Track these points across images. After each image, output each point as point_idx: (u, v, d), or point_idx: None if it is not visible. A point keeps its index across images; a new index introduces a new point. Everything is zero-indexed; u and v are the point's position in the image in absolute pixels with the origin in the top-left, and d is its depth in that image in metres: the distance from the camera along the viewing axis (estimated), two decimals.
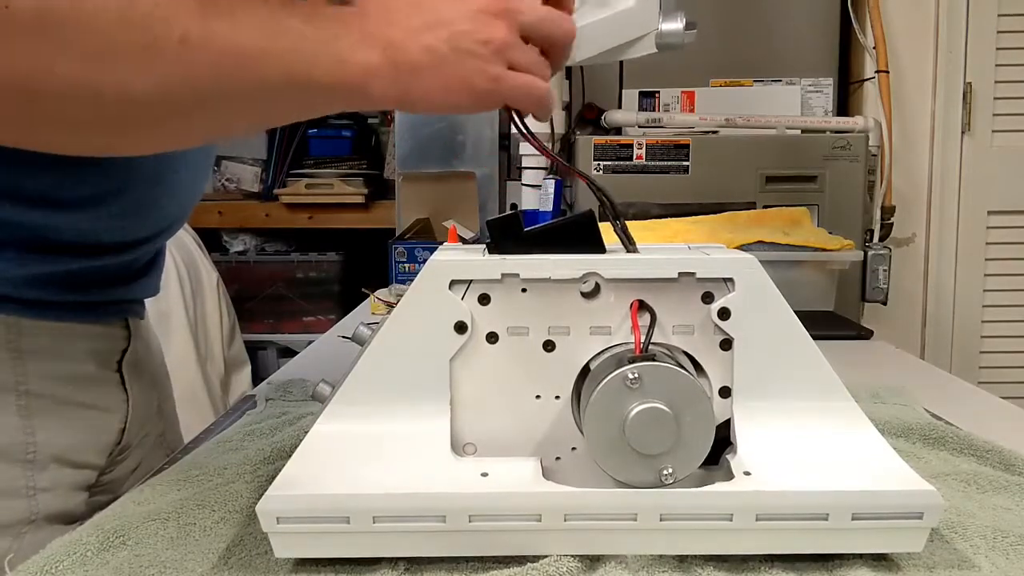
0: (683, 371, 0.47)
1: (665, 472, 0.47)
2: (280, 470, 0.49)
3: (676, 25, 0.61)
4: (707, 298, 0.51)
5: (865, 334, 1.23)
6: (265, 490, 0.47)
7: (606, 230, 0.53)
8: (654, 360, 0.47)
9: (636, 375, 0.46)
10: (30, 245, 0.59)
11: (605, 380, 0.46)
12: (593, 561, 0.47)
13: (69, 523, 0.54)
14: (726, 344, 0.51)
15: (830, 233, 1.35)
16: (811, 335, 0.51)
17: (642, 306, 0.51)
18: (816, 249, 1.29)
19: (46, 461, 0.62)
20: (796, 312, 0.51)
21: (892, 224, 1.84)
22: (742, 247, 1.24)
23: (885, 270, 1.70)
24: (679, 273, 0.50)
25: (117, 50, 0.43)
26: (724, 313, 0.50)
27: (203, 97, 0.46)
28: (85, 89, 0.43)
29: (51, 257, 0.61)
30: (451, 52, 0.50)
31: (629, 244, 0.54)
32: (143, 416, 0.72)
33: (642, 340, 0.49)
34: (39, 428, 0.61)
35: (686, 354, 0.51)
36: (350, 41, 0.49)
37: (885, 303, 1.73)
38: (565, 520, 0.47)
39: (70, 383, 0.64)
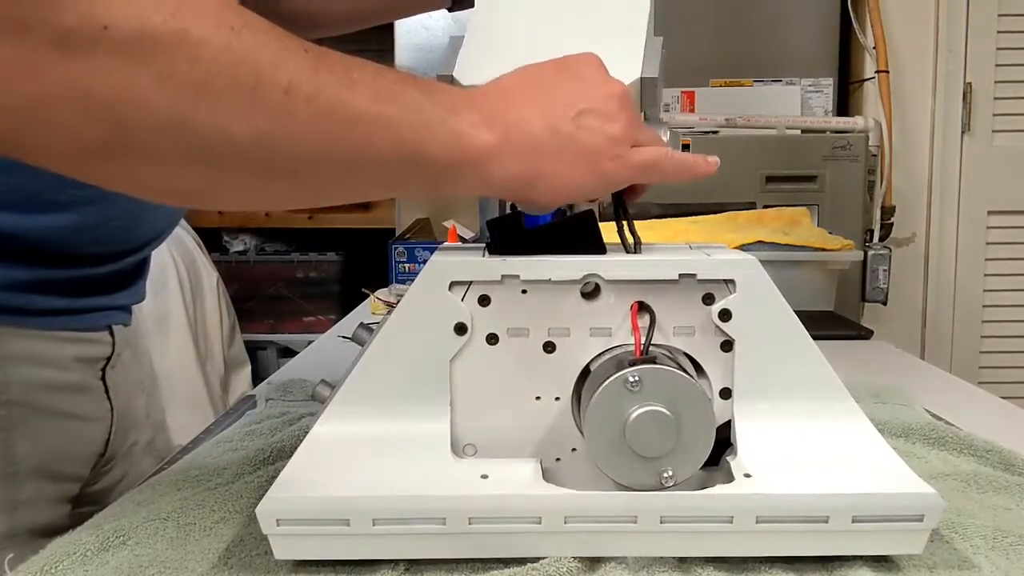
0: (683, 374, 0.47)
1: (665, 475, 0.47)
2: (280, 470, 0.49)
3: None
4: (708, 299, 0.51)
5: (865, 334, 1.23)
6: (265, 490, 0.47)
7: (606, 229, 0.53)
8: (655, 362, 0.47)
9: (636, 378, 0.46)
10: (13, 252, 0.58)
11: (605, 383, 0.46)
12: (593, 562, 0.47)
13: (51, 536, 0.52)
14: (727, 345, 0.51)
15: (830, 233, 1.35)
16: (811, 335, 0.51)
17: (642, 307, 0.51)
18: (816, 249, 1.29)
19: (27, 473, 0.60)
20: (796, 312, 0.51)
21: (892, 224, 1.84)
22: (742, 247, 1.24)
23: (885, 270, 1.70)
24: (680, 274, 0.50)
25: (217, 88, 0.39)
26: (725, 314, 0.50)
27: (308, 155, 0.42)
28: (180, 125, 0.39)
29: (35, 265, 0.59)
30: (576, 131, 0.48)
31: (633, 245, 0.54)
32: (128, 424, 0.71)
33: (642, 342, 0.49)
34: (20, 439, 0.59)
35: (687, 355, 0.51)
36: (470, 118, 0.46)
37: (885, 303, 1.73)
38: (565, 522, 0.47)
39: (52, 391, 0.62)
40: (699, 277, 0.50)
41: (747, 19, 1.84)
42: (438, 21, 1.98)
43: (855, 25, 1.86)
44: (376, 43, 1.86)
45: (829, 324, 1.25)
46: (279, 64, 0.40)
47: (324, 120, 0.41)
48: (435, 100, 0.46)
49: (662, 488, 0.47)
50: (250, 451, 0.66)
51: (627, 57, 0.53)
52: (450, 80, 0.54)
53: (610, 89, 0.49)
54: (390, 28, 1.88)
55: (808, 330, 0.51)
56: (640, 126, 0.51)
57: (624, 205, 0.55)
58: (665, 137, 0.55)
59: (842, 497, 0.46)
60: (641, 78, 0.53)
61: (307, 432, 0.51)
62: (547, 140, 0.47)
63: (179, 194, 0.46)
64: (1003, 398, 0.88)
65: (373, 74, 0.44)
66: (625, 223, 0.54)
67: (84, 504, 0.66)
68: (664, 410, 0.46)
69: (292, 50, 0.41)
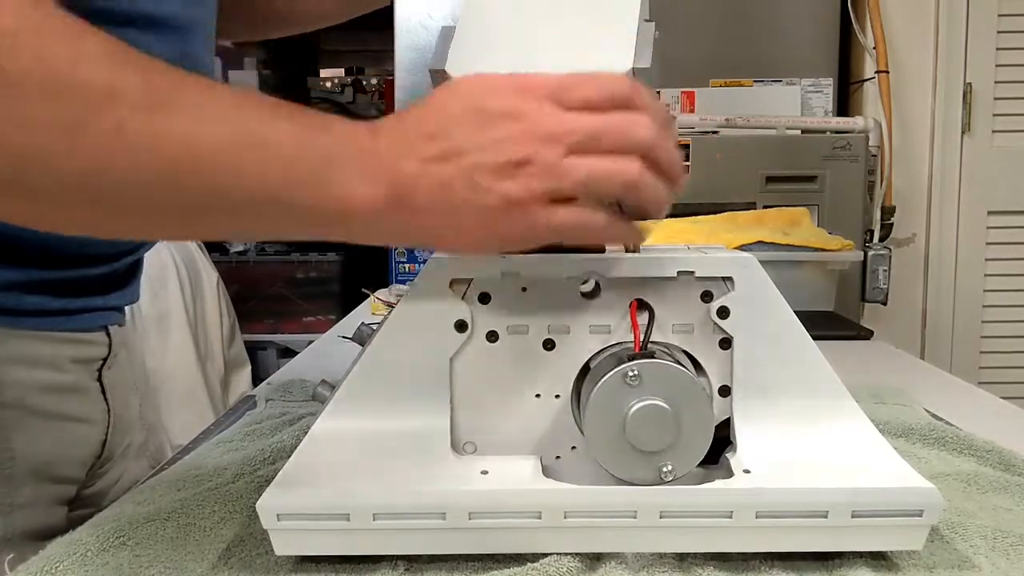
0: (682, 368, 0.47)
1: (665, 469, 0.47)
2: (280, 470, 0.49)
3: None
4: (706, 297, 0.51)
5: (865, 334, 1.23)
6: (265, 490, 0.47)
7: None
8: (653, 358, 0.47)
9: (636, 372, 0.46)
10: (5, 253, 0.58)
11: (605, 378, 0.46)
12: (593, 560, 0.47)
13: (47, 540, 0.51)
14: (725, 343, 0.51)
15: (830, 233, 1.35)
16: (811, 335, 0.51)
17: (641, 305, 0.51)
18: (816, 249, 1.29)
19: (24, 476, 0.59)
20: (796, 312, 0.51)
21: (892, 224, 1.84)
22: (742, 247, 1.24)
23: (885, 270, 1.70)
24: (678, 272, 0.50)
25: (40, 119, 0.37)
26: (723, 312, 0.51)
27: (150, 196, 0.40)
28: (5, 151, 0.38)
29: (27, 266, 0.59)
30: (472, 191, 0.42)
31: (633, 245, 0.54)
32: (125, 426, 0.70)
33: (641, 338, 0.49)
34: (16, 441, 0.59)
35: (686, 353, 0.51)
36: (348, 169, 0.42)
37: (885, 303, 1.73)
38: (565, 518, 0.47)
39: (48, 393, 0.61)
40: (698, 275, 0.51)
41: (747, 19, 1.84)
42: (438, 21, 1.98)
43: (855, 25, 1.86)
44: (376, 43, 1.85)
45: (829, 324, 1.25)
46: (104, 103, 0.38)
47: (164, 161, 0.39)
48: (312, 137, 0.42)
49: (662, 483, 0.47)
50: (250, 451, 0.66)
51: (618, 46, 0.51)
52: (443, 75, 0.53)
53: (527, 132, 0.43)
54: (390, 28, 1.88)
55: (808, 330, 0.51)
56: (568, 172, 0.43)
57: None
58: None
59: (841, 492, 0.46)
60: (633, 69, 0.51)
61: (307, 432, 0.51)
62: (434, 199, 0.43)
63: (8, 214, 0.43)
64: (1003, 398, 0.88)
65: (234, 103, 0.41)
66: None
67: (80, 507, 0.65)
68: (663, 404, 0.46)
69: (131, 80, 0.39)
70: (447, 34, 0.54)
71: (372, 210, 0.42)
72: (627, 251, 0.54)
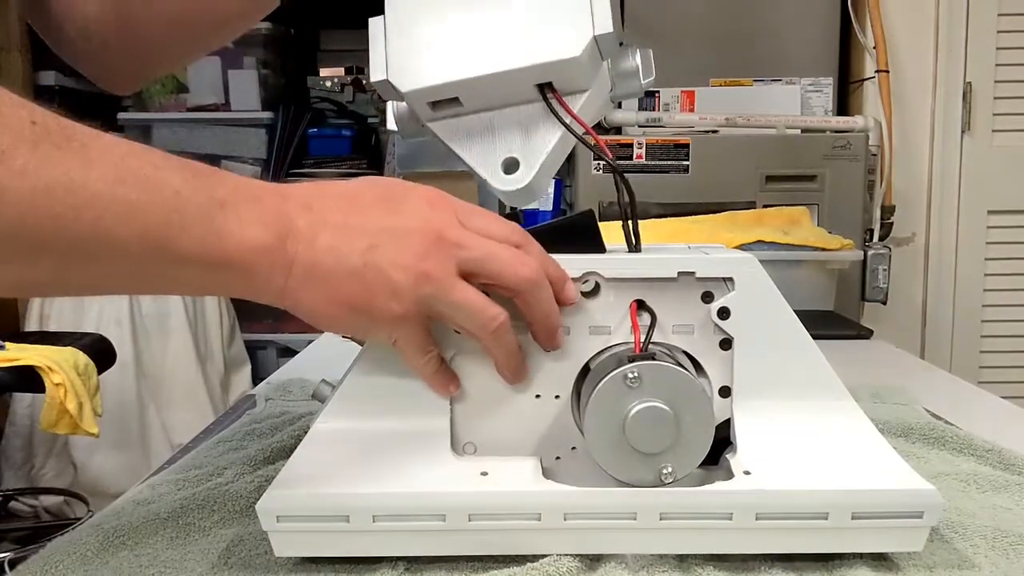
0: (683, 370, 0.47)
1: (665, 471, 0.47)
2: (280, 470, 0.49)
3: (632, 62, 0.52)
4: (707, 297, 0.51)
5: (865, 334, 1.23)
6: (265, 490, 0.47)
7: (606, 230, 0.53)
8: (654, 359, 0.47)
9: (636, 374, 0.46)
10: None
11: (605, 379, 0.46)
12: (593, 561, 0.47)
13: None
14: (726, 344, 0.51)
15: (830, 233, 1.35)
16: (811, 335, 0.51)
17: (641, 306, 0.51)
18: (816, 249, 1.30)
19: None
20: (796, 312, 0.51)
21: (892, 224, 1.84)
22: (742, 247, 1.24)
23: (885, 270, 1.70)
24: (679, 273, 0.50)
25: None
26: (724, 312, 0.51)
27: (31, 238, 0.37)
28: None
29: None
30: (362, 266, 0.43)
31: (634, 244, 0.54)
32: None
33: (642, 339, 0.49)
34: None
35: (686, 354, 0.51)
36: (243, 213, 0.41)
37: (885, 303, 1.73)
38: (565, 519, 0.47)
39: None
40: (698, 275, 0.50)
41: (747, 19, 1.84)
42: None
43: (855, 25, 1.86)
44: None
45: (829, 324, 1.25)
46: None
47: (41, 200, 0.36)
48: (200, 184, 0.40)
49: (662, 485, 0.47)
50: (250, 451, 0.66)
51: (575, 14, 0.49)
52: (387, 86, 0.50)
53: (425, 230, 0.44)
54: None
55: (808, 330, 0.51)
56: (447, 289, 0.44)
57: (634, 202, 0.54)
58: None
59: (841, 493, 0.46)
60: (595, 37, 0.49)
61: (307, 432, 0.51)
62: (325, 262, 0.42)
63: None
64: (1003, 398, 0.88)
65: (119, 149, 0.39)
66: (629, 221, 0.54)
67: None
68: (663, 406, 0.46)
69: (17, 114, 0.36)
70: (376, 35, 0.52)
71: (259, 258, 0.41)
72: (632, 247, 0.53)
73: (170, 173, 0.40)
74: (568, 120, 0.51)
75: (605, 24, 0.49)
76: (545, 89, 0.51)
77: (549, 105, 0.51)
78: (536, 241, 0.48)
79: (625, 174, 0.54)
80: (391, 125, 0.54)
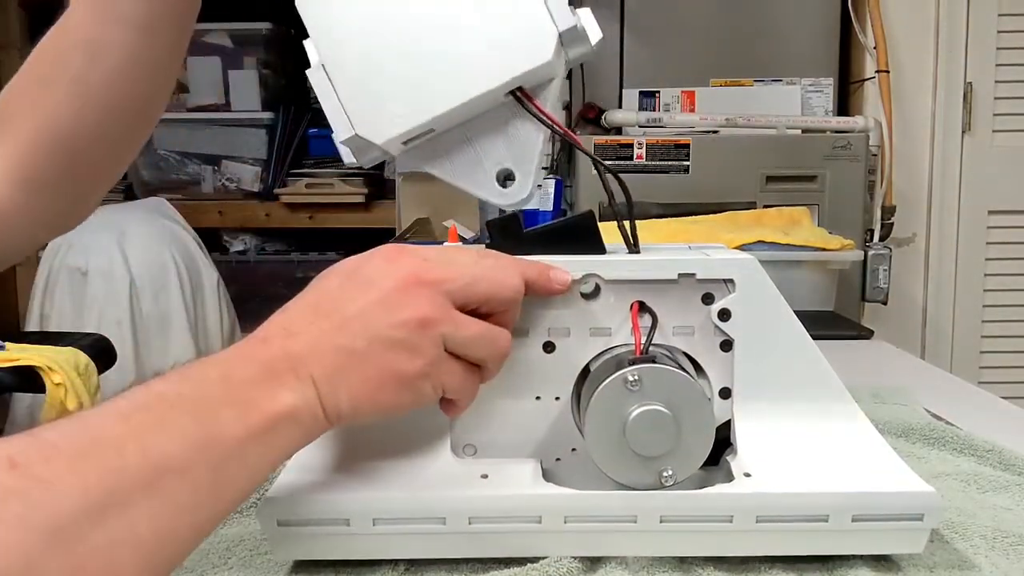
0: (683, 373, 0.47)
1: (665, 474, 0.46)
2: (280, 470, 0.49)
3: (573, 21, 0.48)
4: (707, 299, 0.51)
5: (865, 334, 1.23)
6: (265, 490, 0.47)
7: (606, 230, 0.53)
8: (654, 362, 0.47)
9: (636, 377, 0.46)
10: None
11: (605, 382, 0.46)
12: (593, 562, 0.47)
13: None
14: (726, 345, 0.51)
15: (830, 233, 1.35)
16: (811, 335, 0.51)
17: (642, 308, 0.51)
18: (816, 249, 1.29)
19: None
20: (796, 312, 0.51)
21: (892, 224, 1.84)
22: (742, 247, 1.24)
23: (885, 270, 1.70)
24: (679, 274, 0.50)
25: None
26: (724, 314, 0.50)
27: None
28: None
29: None
30: (368, 345, 0.42)
31: (633, 245, 0.54)
32: None
33: (642, 342, 0.49)
34: None
35: (686, 355, 0.51)
36: (248, 392, 0.40)
37: (885, 303, 1.73)
38: (565, 522, 0.47)
39: None
40: (699, 277, 0.50)
41: (747, 19, 1.84)
42: None
43: (855, 25, 1.86)
44: None
45: (829, 324, 1.25)
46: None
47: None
48: (200, 402, 0.38)
49: (662, 487, 0.47)
50: None
51: (534, 17, 0.47)
52: (358, 140, 0.48)
53: (403, 282, 0.43)
54: None
55: (808, 330, 0.51)
56: (450, 321, 0.44)
57: (630, 201, 0.53)
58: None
59: (842, 496, 0.46)
60: (560, 33, 0.47)
61: None
62: (340, 362, 0.42)
63: None
64: (1003, 398, 0.88)
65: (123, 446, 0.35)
66: (627, 222, 0.54)
67: None
68: (664, 409, 0.46)
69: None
70: (324, 88, 0.48)
71: (293, 407, 0.40)
72: (631, 247, 0.53)
73: (176, 411, 0.37)
74: (545, 120, 0.50)
75: (566, 18, 0.48)
76: (517, 93, 0.49)
77: (529, 111, 0.50)
78: (500, 252, 0.48)
79: (620, 174, 0.53)
80: (347, 160, 0.51)
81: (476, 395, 0.47)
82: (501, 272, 0.46)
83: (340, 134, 0.49)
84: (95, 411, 0.36)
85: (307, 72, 0.49)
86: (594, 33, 0.49)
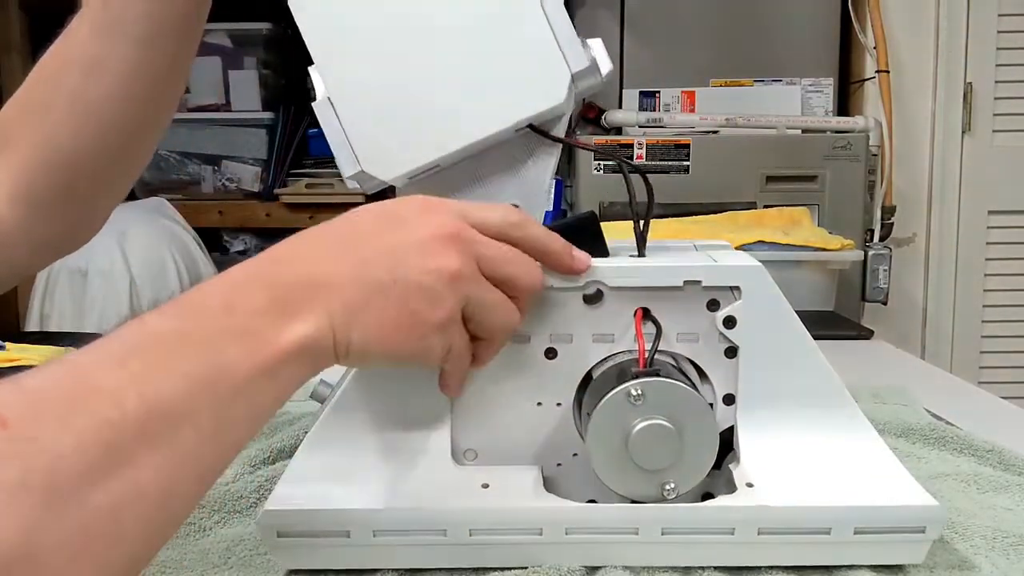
0: (687, 387, 0.46)
1: (668, 487, 0.46)
2: (280, 471, 0.49)
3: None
4: (712, 306, 0.50)
5: (865, 334, 1.22)
6: (265, 490, 0.47)
7: (607, 229, 0.53)
8: (658, 376, 0.46)
9: (640, 391, 0.45)
10: None
11: (608, 395, 0.46)
12: (594, 568, 0.47)
13: None
14: (731, 352, 0.51)
15: (830, 233, 1.35)
16: (811, 335, 0.51)
17: (646, 315, 0.50)
18: (816, 249, 1.29)
19: None
20: (796, 312, 0.51)
21: (892, 224, 1.84)
22: (742, 247, 1.24)
23: (885, 270, 1.70)
24: (685, 281, 0.50)
25: None
26: (730, 321, 0.50)
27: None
28: None
29: None
30: (394, 283, 0.40)
31: (641, 247, 0.53)
32: None
33: (647, 353, 0.48)
34: None
35: (690, 361, 0.51)
36: (256, 322, 0.37)
37: (885, 303, 1.73)
38: (566, 534, 0.46)
39: None
40: (704, 284, 0.50)
41: (747, 19, 1.84)
42: None
43: (855, 25, 1.86)
44: None
45: (829, 324, 1.25)
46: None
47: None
48: (212, 327, 0.36)
49: (664, 500, 0.47)
50: (250, 451, 0.66)
51: (548, 58, 0.47)
52: (364, 176, 0.48)
53: (438, 234, 0.42)
54: None
55: (809, 330, 0.51)
56: (478, 280, 0.43)
57: (651, 203, 0.53)
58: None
59: (844, 510, 0.46)
60: (572, 74, 0.47)
61: (307, 432, 0.51)
62: (366, 296, 0.40)
63: None
64: (1003, 398, 0.88)
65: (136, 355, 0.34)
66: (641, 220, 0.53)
67: None
68: (667, 423, 0.45)
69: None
70: (330, 121, 0.48)
71: (313, 336, 0.38)
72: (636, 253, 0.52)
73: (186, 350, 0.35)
74: (559, 147, 0.50)
75: (579, 60, 0.47)
76: (532, 127, 0.49)
77: (548, 138, 0.50)
78: (530, 215, 0.47)
79: (638, 172, 0.53)
80: (351, 186, 0.50)
81: (467, 374, 0.47)
82: (528, 262, 0.45)
83: (346, 169, 0.48)
84: (85, 355, 0.33)
85: (312, 104, 0.48)
86: (605, 66, 0.49)
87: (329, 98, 0.48)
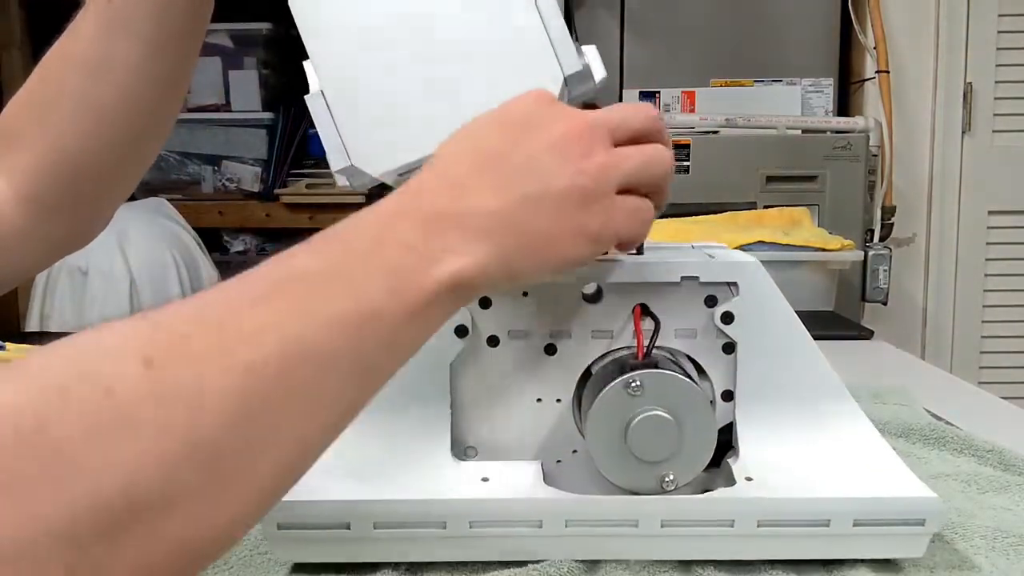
0: (686, 378, 0.46)
1: (667, 479, 0.46)
2: None
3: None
4: (710, 302, 0.51)
5: (865, 334, 1.22)
6: None
7: None
8: (657, 367, 0.46)
9: (638, 382, 0.45)
10: None
11: (608, 387, 0.46)
12: (594, 563, 0.47)
13: None
14: (729, 348, 0.51)
15: (830, 233, 1.35)
16: (811, 335, 0.51)
17: (645, 311, 0.50)
18: (816, 249, 1.29)
19: None
20: (796, 312, 0.51)
21: (892, 224, 1.84)
22: (742, 247, 1.24)
23: (885, 270, 1.70)
24: (682, 277, 0.50)
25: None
26: (727, 317, 0.50)
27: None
28: None
29: None
30: (545, 194, 0.38)
31: (639, 247, 0.53)
32: None
33: (645, 346, 0.49)
34: None
35: (688, 357, 0.51)
36: (406, 259, 0.35)
37: (885, 303, 1.73)
38: (566, 526, 0.47)
39: None
40: (702, 280, 0.50)
41: (747, 19, 1.84)
42: None
43: (855, 25, 1.86)
44: None
45: (829, 324, 1.25)
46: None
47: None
48: (354, 260, 0.35)
49: (663, 492, 0.47)
50: None
51: (541, 60, 0.47)
52: (353, 171, 0.47)
53: (573, 129, 0.40)
54: None
55: (808, 330, 0.51)
56: (623, 156, 0.41)
57: None
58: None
59: (844, 501, 0.46)
60: (565, 78, 0.47)
61: None
62: (527, 217, 0.38)
63: None
64: (1003, 398, 0.88)
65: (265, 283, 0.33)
66: None
67: None
68: (666, 415, 0.46)
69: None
70: (321, 114, 0.47)
71: (473, 266, 0.36)
72: (635, 252, 0.53)
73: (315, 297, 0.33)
74: None
75: (572, 63, 0.47)
76: None
77: None
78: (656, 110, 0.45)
79: None
80: (340, 183, 0.50)
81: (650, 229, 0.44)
82: (633, 106, 0.43)
83: (335, 163, 0.48)
84: (230, 290, 0.33)
85: (305, 98, 0.48)
86: (598, 72, 0.49)
87: (322, 91, 0.48)
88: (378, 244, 0.35)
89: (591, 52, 0.49)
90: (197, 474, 0.29)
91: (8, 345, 1.75)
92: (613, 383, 0.46)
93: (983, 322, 1.91)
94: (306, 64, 0.48)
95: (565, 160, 0.39)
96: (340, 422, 0.34)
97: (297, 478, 0.34)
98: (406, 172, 0.49)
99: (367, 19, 0.47)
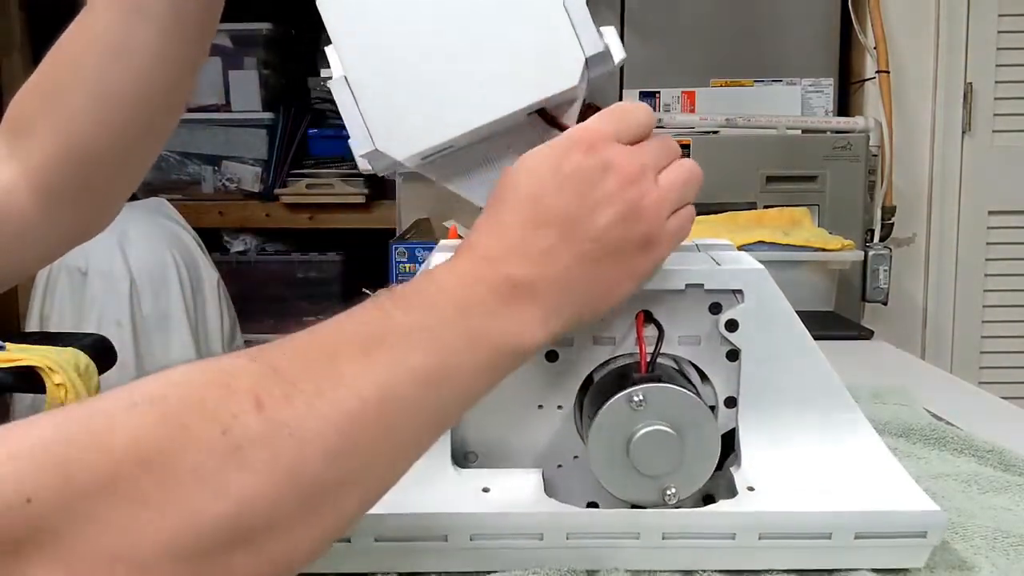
0: (689, 393, 0.46)
1: (668, 492, 0.46)
2: None
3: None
4: (715, 309, 0.50)
5: (865, 334, 1.22)
6: None
7: None
8: (660, 380, 0.46)
9: (641, 397, 0.45)
10: None
11: (610, 401, 0.46)
12: (594, 571, 0.48)
13: None
14: (733, 355, 0.51)
15: (830, 233, 1.35)
16: (811, 335, 0.51)
17: (648, 318, 0.50)
18: (816, 249, 1.29)
19: None
20: (796, 312, 0.51)
21: (892, 224, 1.83)
22: (742, 247, 1.24)
23: (886, 270, 1.70)
24: (687, 285, 0.50)
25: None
26: (732, 324, 0.50)
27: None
28: None
29: None
30: (603, 252, 0.42)
31: None
32: None
33: (648, 357, 0.48)
34: None
35: (692, 364, 0.51)
36: (483, 324, 0.40)
37: (885, 303, 1.73)
38: (567, 539, 0.46)
39: None
40: (706, 287, 0.50)
41: (747, 19, 1.84)
42: None
43: (855, 25, 1.86)
44: None
45: (829, 324, 1.25)
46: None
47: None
48: (448, 328, 0.39)
49: (665, 505, 0.47)
50: None
51: (562, 41, 0.47)
52: (377, 155, 0.48)
53: (624, 174, 0.43)
54: None
55: (808, 330, 0.51)
56: (670, 200, 0.45)
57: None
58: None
59: (846, 515, 0.46)
60: (587, 59, 0.47)
61: None
62: (576, 275, 0.42)
63: None
64: (1003, 398, 0.88)
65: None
66: None
67: None
68: (668, 429, 0.45)
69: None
70: (345, 100, 0.48)
71: (531, 332, 0.41)
72: None
73: (410, 348, 0.37)
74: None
75: (594, 44, 0.47)
76: (541, 114, 0.49)
77: (555, 127, 0.50)
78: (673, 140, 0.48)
79: None
80: (362, 167, 0.50)
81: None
82: (637, 109, 0.47)
83: (359, 147, 0.48)
84: (334, 333, 0.37)
85: (328, 83, 0.48)
86: (617, 54, 0.49)
87: (345, 76, 0.48)
88: (462, 312, 0.39)
89: (610, 34, 0.50)
90: (297, 505, 0.32)
91: (8, 345, 1.75)
92: (615, 397, 0.46)
93: (983, 322, 1.91)
94: (328, 49, 0.49)
95: (625, 212, 0.42)
96: (412, 461, 0.39)
97: (367, 510, 0.37)
98: (429, 156, 0.49)
99: (390, 3, 0.47)
